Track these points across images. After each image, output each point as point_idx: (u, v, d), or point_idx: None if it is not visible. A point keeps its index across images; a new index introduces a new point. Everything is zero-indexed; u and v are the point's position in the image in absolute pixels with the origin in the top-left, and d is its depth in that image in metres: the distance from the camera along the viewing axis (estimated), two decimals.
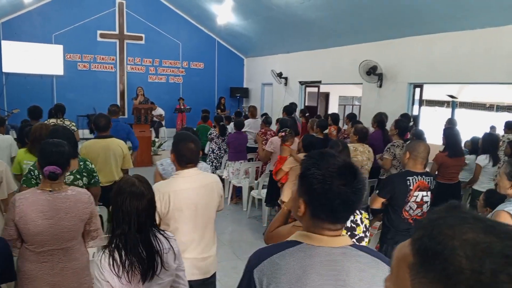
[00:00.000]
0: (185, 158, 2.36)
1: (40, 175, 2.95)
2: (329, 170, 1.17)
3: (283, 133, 4.77)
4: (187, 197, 2.35)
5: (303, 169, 1.24)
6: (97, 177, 3.30)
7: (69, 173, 3.04)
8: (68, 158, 2.36)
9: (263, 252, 1.22)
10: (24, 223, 2.17)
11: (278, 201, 4.73)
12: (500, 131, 8.12)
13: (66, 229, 2.25)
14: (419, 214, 3.14)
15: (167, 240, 1.83)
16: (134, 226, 1.70)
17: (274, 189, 5.36)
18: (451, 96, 8.66)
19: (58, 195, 2.25)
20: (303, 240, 1.21)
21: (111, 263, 1.66)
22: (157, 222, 2.36)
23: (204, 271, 2.51)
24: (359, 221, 2.14)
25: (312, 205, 1.20)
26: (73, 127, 5.88)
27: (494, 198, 3.04)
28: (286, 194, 4.37)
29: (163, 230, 1.87)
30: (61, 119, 5.93)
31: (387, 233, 3.23)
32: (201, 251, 2.47)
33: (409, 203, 3.11)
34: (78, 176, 3.15)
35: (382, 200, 3.17)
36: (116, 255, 1.67)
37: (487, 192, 3.33)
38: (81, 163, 3.21)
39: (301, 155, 4.40)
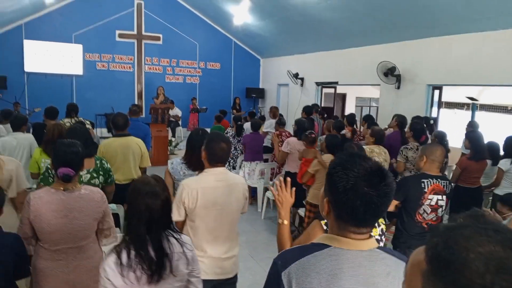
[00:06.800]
0: (216, 157, 2.43)
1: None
2: (355, 170, 1.16)
3: (310, 135, 4.80)
4: (214, 195, 2.39)
5: (329, 168, 1.24)
6: (113, 176, 3.33)
7: (85, 171, 3.06)
8: (82, 158, 2.37)
9: (290, 255, 1.20)
10: (38, 222, 2.20)
11: (304, 202, 4.69)
12: None
13: (80, 227, 2.27)
14: (433, 219, 3.07)
15: (181, 245, 1.78)
16: (145, 225, 1.69)
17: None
18: (472, 98, 8.48)
19: (71, 194, 2.27)
20: (330, 243, 1.19)
21: (117, 261, 1.64)
22: (184, 218, 2.40)
23: (227, 270, 2.53)
24: (375, 224, 2.13)
25: (334, 205, 1.20)
26: (88, 126, 5.99)
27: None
28: (312, 196, 4.35)
29: (179, 234, 1.83)
30: (75, 118, 6.01)
31: (400, 237, 3.19)
32: (225, 251, 2.49)
33: (423, 206, 3.06)
34: (94, 175, 3.17)
35: (396, 202, 3.13)
36: (124, 254, 1.65)
37: (506, 195, 3.28)
38: (97, 161, 3.23)
39: (326, 156, 4.39)
